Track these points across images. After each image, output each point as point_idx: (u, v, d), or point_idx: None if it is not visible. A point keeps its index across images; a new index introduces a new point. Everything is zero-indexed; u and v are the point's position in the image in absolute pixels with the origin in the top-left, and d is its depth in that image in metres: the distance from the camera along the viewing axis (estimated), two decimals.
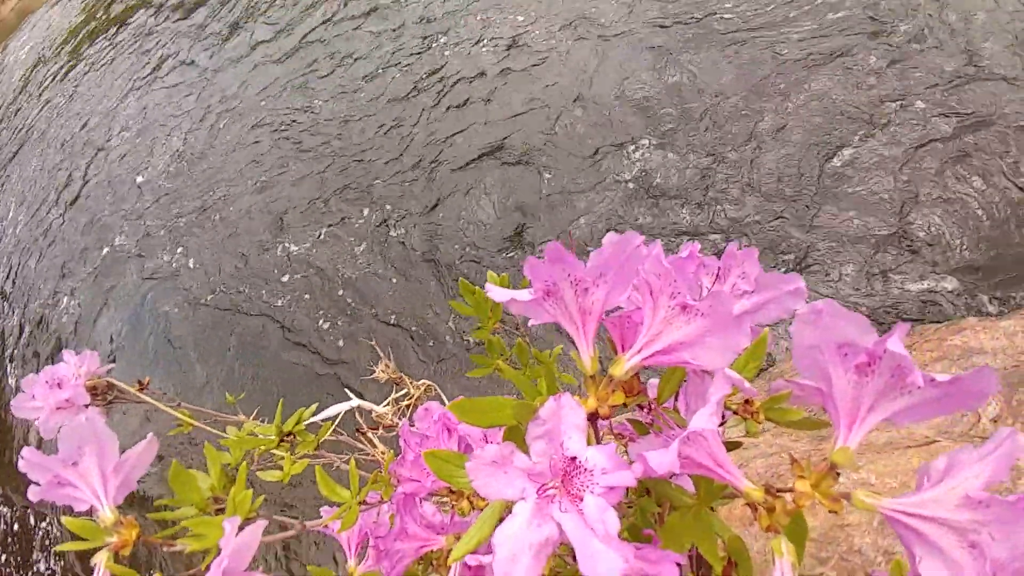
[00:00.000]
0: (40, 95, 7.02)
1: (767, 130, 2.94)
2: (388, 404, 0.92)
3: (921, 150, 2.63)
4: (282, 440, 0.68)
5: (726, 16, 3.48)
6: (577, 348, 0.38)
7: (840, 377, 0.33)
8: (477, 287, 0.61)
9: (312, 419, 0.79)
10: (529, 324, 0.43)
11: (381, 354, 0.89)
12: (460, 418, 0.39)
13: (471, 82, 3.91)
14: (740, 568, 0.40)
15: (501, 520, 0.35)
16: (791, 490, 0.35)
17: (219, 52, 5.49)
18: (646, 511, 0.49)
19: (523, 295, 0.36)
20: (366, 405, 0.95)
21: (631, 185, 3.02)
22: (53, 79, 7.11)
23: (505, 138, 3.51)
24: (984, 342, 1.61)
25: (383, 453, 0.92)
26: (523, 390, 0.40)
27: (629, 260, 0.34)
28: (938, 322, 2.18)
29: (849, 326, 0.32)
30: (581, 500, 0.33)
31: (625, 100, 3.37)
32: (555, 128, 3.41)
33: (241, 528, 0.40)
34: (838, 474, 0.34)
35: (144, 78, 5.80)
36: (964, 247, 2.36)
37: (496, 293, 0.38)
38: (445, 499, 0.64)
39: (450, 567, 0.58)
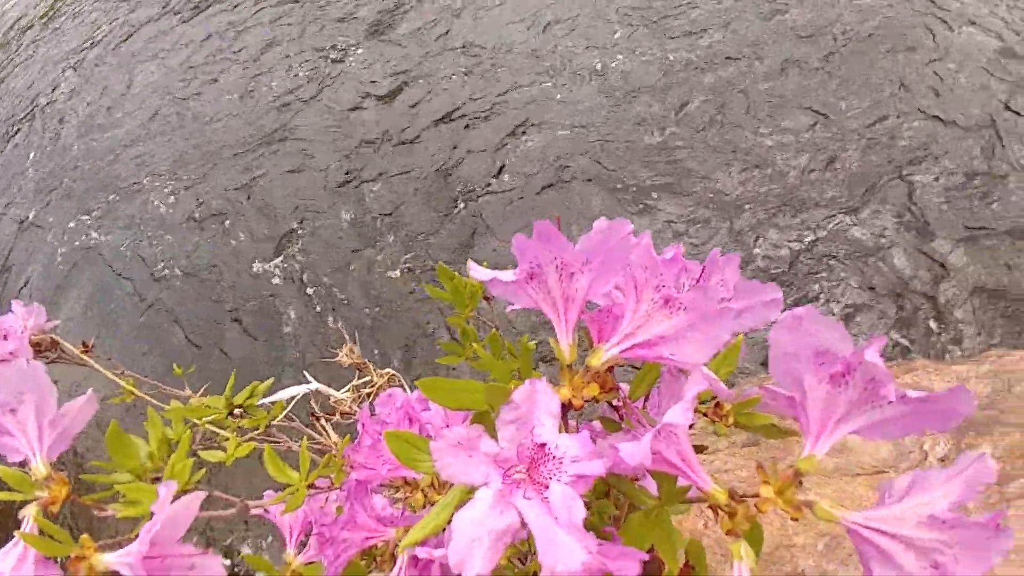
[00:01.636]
0: None
1: None
2: (348, 390, 0.89)
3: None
4: (231, 413, 0.64)
5: None
6: (556, 335, 0.37)
7: (814, 386, 0.33)
8: (456, 273, 0.60)
9: (265, 399, 0.76)
10: (508, 309, 0.42)
11: (346, 337, 0.86)
12: (429, 396, 0.38)
13: None
14: (697, 572, 0.39)
15: (461, 507, 0.34)
16: (754, 496, 0.35)
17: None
18: (604, 513, 0.48)
19: (506, 275, 0.35)
20: (324, 390, 0.92)
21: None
22: None
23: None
24: (935, 383, 1.68)
25: (336, 443, 0.89)
26: (498, 376, 0.39)
27: (618, 248, 0.33)
28: (890, 360, 2.27)
29: (829, 334, 0.32)
30: (546, 488, 0.32)
31: None
32: None
33: (178, 498, 0.38)
34: (801, 482, 0.34)
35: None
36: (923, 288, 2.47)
37: (478, 272, 0.37)
38: (398, 493, 0.62)
39: (396, 559, 0.56)
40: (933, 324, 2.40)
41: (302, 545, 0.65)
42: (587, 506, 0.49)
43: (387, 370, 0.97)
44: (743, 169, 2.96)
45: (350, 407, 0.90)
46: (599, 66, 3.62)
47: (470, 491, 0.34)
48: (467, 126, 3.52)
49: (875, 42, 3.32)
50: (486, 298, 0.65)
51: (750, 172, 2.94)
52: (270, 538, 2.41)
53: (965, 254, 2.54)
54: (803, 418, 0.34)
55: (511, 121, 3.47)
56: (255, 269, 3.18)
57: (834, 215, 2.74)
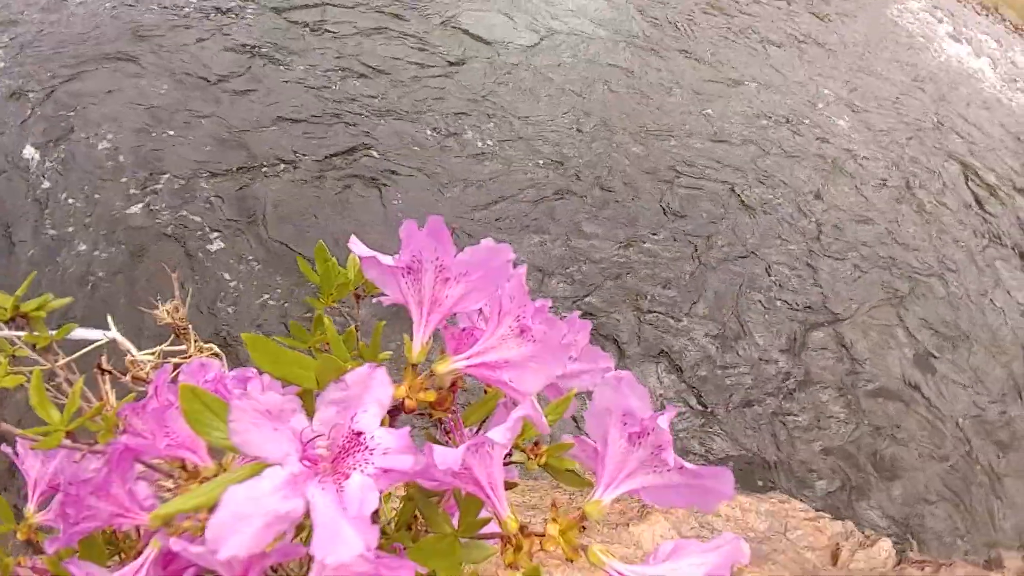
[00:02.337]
0: None
1: None
2: (155, 353, 0.77)
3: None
4: (12, 319, 0.51)
5: None
6: (412, 333, 0.38)
7: (616, 440, 0.38)
8: (333, 258, 0.58)
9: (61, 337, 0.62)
10: (378, 299, 0.41)
11: (176, 289, 0.75)
12: (255, 356, 0.35)
13: None
14: None
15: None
16: (541, 535, 0.38)
17: None
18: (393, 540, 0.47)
19: (386, 258, 0.36)
20: (123, 343, 0.78)
21: None
22: None
23: None
24: (720, 510, 1.92)
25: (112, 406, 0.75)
26: (340, 356, 0.38)
27: (497, 270, 0.36)
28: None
29: (637, 398, 0.37)
30: (347, 478, 0.31)
31: None
32: None
33: None
34: (584, 527, 0.37)
35: None
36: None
37: (358, 247, 0.37)
38: (170, 481, 0.54)
39: (144, 548, 0.47)
40: None
41: (46, 504, 0.53)
42: (383, 533, 0.47)
43: (211, 345, 0.86)
44: None
45: (148, 373, 0.77)
46: None
47: (261, 469, 0.32)
48: None
49: None
50: (356, 296, 0.63)
51: None
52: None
53: None
54: (600, 468, 0.38)
55: None
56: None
57: None
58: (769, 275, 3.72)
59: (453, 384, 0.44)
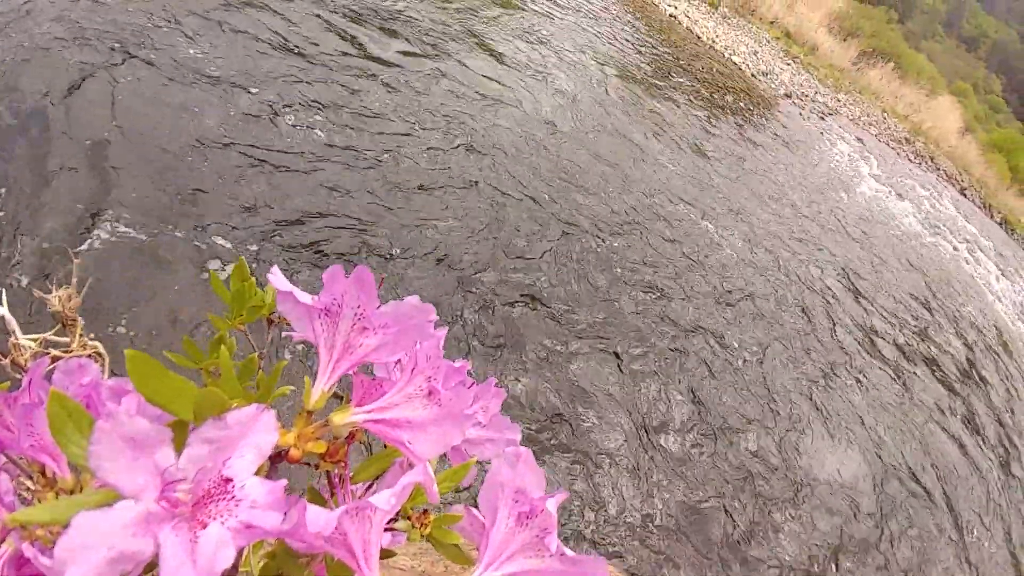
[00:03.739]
0: None
1: None
2: (38, 340, 0.69)
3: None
4: None
5: None
6: (315, 377, 0.36)
7: (504, 518, 0.37)
8: (252, 278, 0.55)
9: None
10: (287, 334, 0.40)
11: (75, 273, 0.68)
12: (132, 373, 0.32)
13: None
14: None
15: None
16: None
17: None
18: None
19: (305, 296, 0.35)
20: (10, 323, 0.70)
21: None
22: None
23: None
24: None
25: None
26: (228, 390, 0.35)
27: (417, 328, 0.36)
28: None
29: (533, 478, 0.37)
30: (204, 528, 0.29)
31: None
32: None
33: None
34: None
35: None
36: None
37: (279, 281, 0.36)
38: (32, 484, 0.48)
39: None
40: None
41: None
42: None
43: (96, 344, 0.78)
44: None
45: (26, 361, 0.69)
46: None
47: (114, 499, 0.29)
48: None
49: None
50: (269, 321, 0.61)
51: None
52: None
53: None
54: (483, 544, 0.37)
55: None
56: None
57: None
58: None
59: (351, 435, 0.43)
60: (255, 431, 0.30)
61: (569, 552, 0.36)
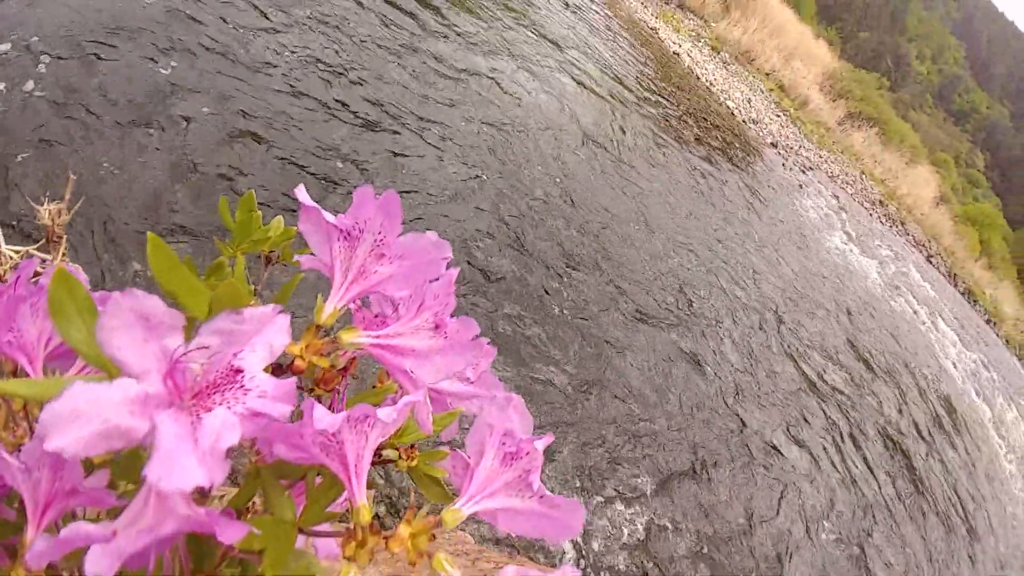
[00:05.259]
0: None
1: None
2: (20, 253, 0.67)
3: None
4: None
5: None
6: (328, 297, 0.37)
7: (490, 458, 0.38)
8: (258, 211, 0.56)
9: None
10: (302, 264, 0.41)
11: (69, 190, 0.67)
12: (153, 261, 0.33)
13: None
14: None
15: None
16: (389, 535, 0.37)
17: None
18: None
19: (329, 215, 0.36)
20: None
21: None
22: None
23: None
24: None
25: None
26: (239, 296, 0.36)
27: (432, 263, 0.37)
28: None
29: (521, 421, 0.39)
30: (208, 412, 0.29)
31: None
32: None
33: None
34: (434, 536, 0.37)
35: None
36: None
37: (304, 196, 0.37)
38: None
39: None
40: None
41: None
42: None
43: (77, 266, 0.77)
44: None
45: (5, 272, 0.67)
46: None
47: (114, 375, 0.29)
48: None
49: None
50: (267, 259, 0.61)
51: None
52: None
53: None
54: (467, 482, 0.38)
55: None
56: None
57: None
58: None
59: (345, 367, 0.43)
60: (270, 329, 0.31)
61: (549, 494, 0.37)
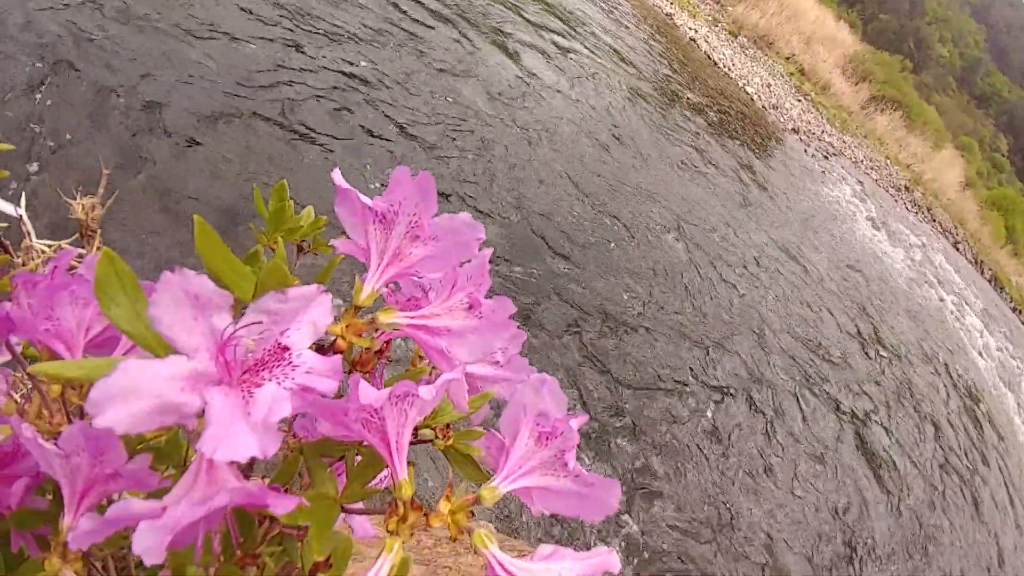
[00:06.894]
0: None
1: None
2: (54, 246, 0.70)
3: None
4: None
5: None
6: (364, 278, 0.38)
7: (524, 438, 0.39)
8: (291, 200, 0.57)
9: None
10: (337, 248, 0.41)
11: (103, 183, 0.69)
12: (200, 243, 0.33)
13: None
14: (335, 568, 0.38)
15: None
16: (428, 514, 0.37)
17: None
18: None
19: (366, 198, 0.36)
20: (27, 226, 0.70)
21: None
22: None
23: None
24: None
25: None
26: (284, 277, 0.37)
27: (465, 244, 0.38)
28: None
29: (555, 402, 0.39)
30: (259, 387, 0.30)
31: None
32: None
33: None
34: (473, 513, 0.38)
35: None
36: None
37: (339, 178, 0.37)
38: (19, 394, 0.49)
39: None
40: None
41: None
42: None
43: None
44: None
45: (36, 266, 0.69)
46: None
47: (166, 350, 0.30)
48: None
49: None
50: (299, 247, 0.62)
51: None
52: None
53: None
54: (503, 461, 0.39)
55: None
56: None
57: None
58: None
59: (381, 350, 0.44)
60: (314, 308, 0.32)
61: (586, 473, 0.37)
